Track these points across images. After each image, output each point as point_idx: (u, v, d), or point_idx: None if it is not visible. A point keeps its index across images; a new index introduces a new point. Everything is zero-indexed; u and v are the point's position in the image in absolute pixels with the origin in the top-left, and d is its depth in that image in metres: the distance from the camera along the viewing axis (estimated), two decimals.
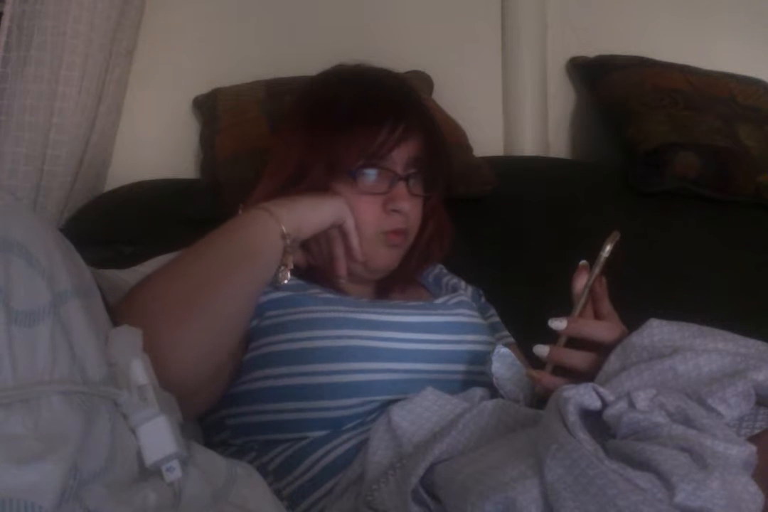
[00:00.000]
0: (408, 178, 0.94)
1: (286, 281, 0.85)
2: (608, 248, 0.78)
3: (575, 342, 0.78)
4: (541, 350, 0.78)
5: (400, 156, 0.94)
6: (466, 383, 0.87)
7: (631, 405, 0.58)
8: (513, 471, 0.56)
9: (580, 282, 0.80)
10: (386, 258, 0.96)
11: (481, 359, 0.88)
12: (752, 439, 0.56)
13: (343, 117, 0.93)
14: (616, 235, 0.79)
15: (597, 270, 0.79)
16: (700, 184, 1.48)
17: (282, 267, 0.85)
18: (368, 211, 0.93)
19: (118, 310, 0.71)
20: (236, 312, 0.80)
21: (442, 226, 1.04)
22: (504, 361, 0.81)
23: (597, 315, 0.80)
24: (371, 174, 0.93)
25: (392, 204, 0.93)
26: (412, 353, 0.86)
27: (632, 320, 0.74)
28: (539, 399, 0.77)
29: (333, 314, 0.86)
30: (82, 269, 0.61)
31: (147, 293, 0.76)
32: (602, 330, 0.78)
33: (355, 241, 0.91)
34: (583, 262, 0.81)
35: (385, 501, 0.65)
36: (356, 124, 0.92)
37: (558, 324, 0.78)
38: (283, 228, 0.83)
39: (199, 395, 0.79)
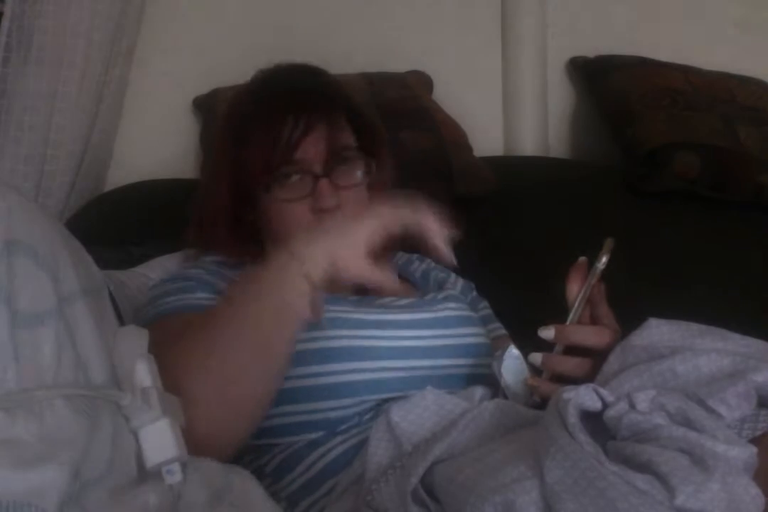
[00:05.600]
0: (329, 175, 0.89)
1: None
2: (604, 260, 0.78)
3: (573, 348, 0.78)
4: (536, 358, 0.78)
5: (312, 153, 0.89)
6: (462, 377, 0.87)
7: (632, 406, 0.58)
8: (513, 472, 0.56)
9: (574, 287, 0.80)
10: None
11: (474, 352, 0.88)
12: (754, 441, 0.56)
13: (241, 130, 0.91)
14: (610, 243, 0.79)
15: (593, 281, 0.79)
16: (700, 184, 1.48)
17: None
18: (297, 218, 0.89)
19: None
20: (279, 369, 0.75)
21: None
22: (513, 363, 0.80)
23: (593, 319, 0.80)
24: (288, 181, 0.89)
25: (317, 204, 0.88)
26: (404, 350, 0.85)
27: (631, 320, 0.74)
28: (538, 405, 0.77)
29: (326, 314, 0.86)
30: (90, 268, 0.60)
31: (184, 369, 0.69)
32: (591, 335, 0.77)
33: (437, 238, 0.75)
34: (581, 259, 0.81)
35: (385, 501, 0.65)
36: (253, 136, 0.89)
37: (547, 333, 0.77)
38: (314, 276, 0.72)
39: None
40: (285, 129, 0.88)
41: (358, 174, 0.93)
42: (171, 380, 0.65)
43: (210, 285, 0.87)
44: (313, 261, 0.72)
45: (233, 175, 0.92)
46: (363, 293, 1.00)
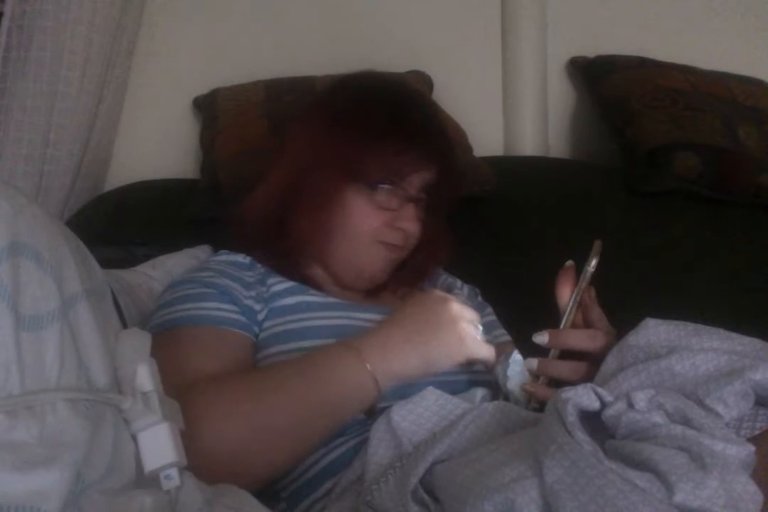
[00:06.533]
0: (418, 201, 0.96)
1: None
2: (594, 263, 0.78)
3: (569, 352, 0.79)
4: (531, 363, 0.79)
5: (417, 179, 0.95)
6: (465, 383, 0.87)
7: (630, 405, 0.58)
8: (512, 471, 0.56)
9: (564, 291, 0.80)
10: (380, 269, 0.96)
11: None
12: (752, 440, 0.56)
13: (377, 127, 0.93)
14: (599, 246, 0.79)
15: (584, 285, 0.79)
16: (700, 184, 1.48)
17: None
18: (371, 222, 0.93)
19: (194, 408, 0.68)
20: (315, 442, 0.77)
21: (440, 249, 1.04)
22: (516, 368, 0.81)
23: (587, 323, 0.81)
24: (387, 189, 0.93)
25: (400, 222, 0.94)
26: None
27: (630, 320, 0.74)
28: (537, 411, 0.77)
29: (326, 321, 0.86)
30: (93, 270, 0.60)
31: (230, 421, 0.71)
32: (585, 339, 0.78)
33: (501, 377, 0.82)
34: (569, 263, 0.82)
35: (385, 501, 0.65)
36: (389, 138, 0.92)
37: (540, 338, 0.79)
38: (380, 383, 0.77)
39: None
40: (412, 151, 0.92)
41: (430, 211, 0.99)
42: (196, 414, 0.67)
43: (227, 294, 0.87)
44: (386, 377, 0.77)
45: (342, 170, 0.92)
46: (373, 295, 1.00)
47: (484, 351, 0.82)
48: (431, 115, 1.02)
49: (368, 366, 0.76)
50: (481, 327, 0.83)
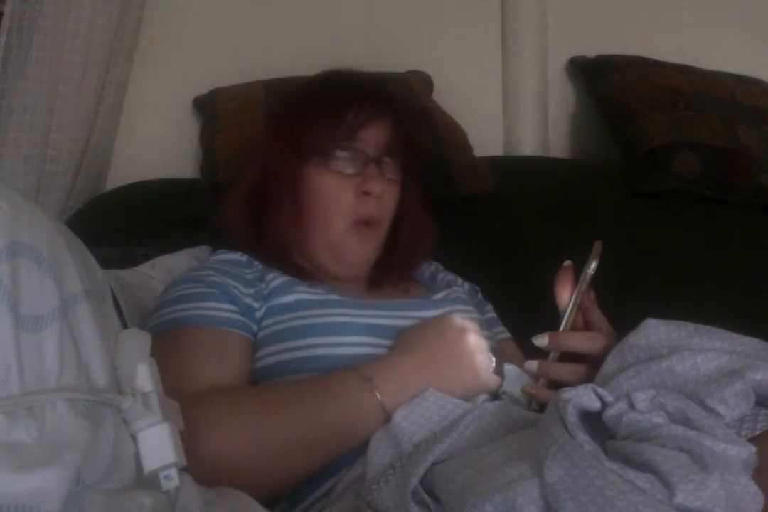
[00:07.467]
0: (379, 161, 0.94)
1: None
2: (594, 265, 0.78)
3: (569, 354, 0.79)
4: (531, 366, 0.79)
5: (371, 138, 0.94)
6: None
7: (631, 405, 0.58)
8: (513, 472, 0.56)
9: (564, 293, 0.80)
10: (358, 251, 0.96)
11: None
12: (753, 440, 0.56)
13: (310, 105, 0.96)
14: (599, 247, 0.79)
15: (583, 286, 0.79)
16: (700, 184, 1.48)
17: None
18: (341, 197, 0.93)
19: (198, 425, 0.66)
20: (315, 470, 0.77)
21: (423, 221, 1.04)
22: (510, 376, 0.80)
23: (586, 325, 0.81)
24: (342, 156, 0.93)
25: (363, 185, 0.93)
26: None
27: (631, 320, 0.74)
28: (537, 412, 0.77)
29: (325, 319, 0.86)
30: (94, 270, 0.60)
31: (236, 439, 0.71)
32: (585, 341, 0.78)
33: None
34: (567, 263, 0.82)
35: (385, 500, 0.65)
36: (324, 109, 0.94)
37: (540, 340, 0.78)
38: (387, 413, 0.76)
39: None
40: (352, 111, 0.93)
41: (399, 171, 0.98)
42: (203, 426, 0.67)
43: (227, 293, 0.87)
44: (394, 408, 0.75)
45: (292, 148, 0.94)
46: (374, 289, 1.00)
47: (494, 382, 0.80)
48: (372, 81, 1.02)
49: (379, 397, 0.76)
50: (494, 358, 0.82)
